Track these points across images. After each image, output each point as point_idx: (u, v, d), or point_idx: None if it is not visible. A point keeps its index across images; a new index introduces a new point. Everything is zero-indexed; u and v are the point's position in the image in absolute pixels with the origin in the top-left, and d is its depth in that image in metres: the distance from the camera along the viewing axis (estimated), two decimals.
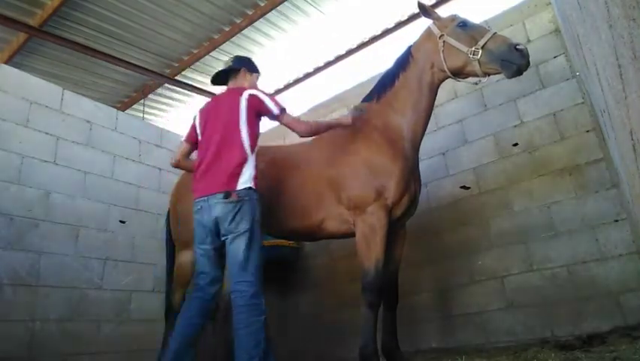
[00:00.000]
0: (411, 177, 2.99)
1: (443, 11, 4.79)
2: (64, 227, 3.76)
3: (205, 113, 2.82)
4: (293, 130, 2.79)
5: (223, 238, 2.49)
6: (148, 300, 4.20)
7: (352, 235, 3.00)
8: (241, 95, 2.69)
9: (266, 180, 3.19)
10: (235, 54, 6.19)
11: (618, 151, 2.04)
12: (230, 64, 2.95)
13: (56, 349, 3.45)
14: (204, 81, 6.77)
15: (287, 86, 7.02)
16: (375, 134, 3.03)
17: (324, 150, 3.18)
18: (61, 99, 4.07)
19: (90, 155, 4.14)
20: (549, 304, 3.40)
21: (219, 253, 2.55)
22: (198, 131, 2.81)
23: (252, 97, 2.69)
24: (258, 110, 2.70)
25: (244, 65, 2.95)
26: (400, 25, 5.74)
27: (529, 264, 3.56)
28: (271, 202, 3.15)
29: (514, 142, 3.85)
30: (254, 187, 2.54)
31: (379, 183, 2.87)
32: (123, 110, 6.25)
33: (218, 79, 2.99)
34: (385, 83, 3.18)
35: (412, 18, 5.60)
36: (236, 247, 2.40)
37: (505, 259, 3.68)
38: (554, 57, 3.78)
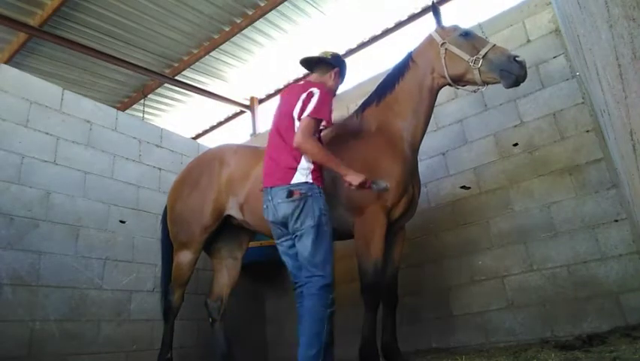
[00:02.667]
0: (410, 179, 3.00)
1: (443, 11, 4.79)
2: (64, 227, 3.76)
3: (280, 98, 2.82)
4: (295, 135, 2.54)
5: (292, 239, 2.50)
6: (148, 300, 4.19)
7: (351, 235, 3.00)
8: (307, 88, 2.62)
9: None
10: (235, 54, 6.25)
11: (618, 151, 2.04)
12: (329, 57, 2.83)
13: (56, 349, 3.44)
14: (204, 81, 6.78)
15: (287, 86, 7.02)
16: (375, 136, 3.05)
17: None
18: (61, 99, 4.07)
19: (90, 155, 4.14)
20: (549, 304, 3.41)
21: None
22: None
23: (309, 94, 2.58)
24: (303, 107, 2.57)
25: (340, 66, 2.87)
26: (399, 25, 5.75)
27: (529, 264, 3.56)
28: None
29: (514, 142, 3.85)
30: (311, 181, 2.48)
31: None
32: (123, 110, 6.25)
33: (308, 62, 2.89)
34: (386, 87, 3.19)
35: (412, 18, 5.61)
36: (303, 244, 2.41)
37: (505, 259, 3.69)
38: (554, 57, 3.78)
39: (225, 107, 7.44)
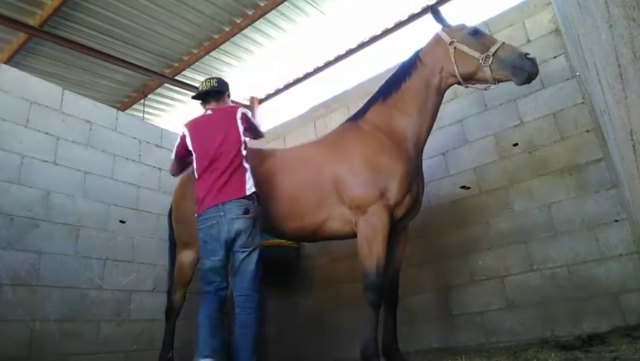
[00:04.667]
0: (413, 178, 3.00)
1: (443, 11, 4.79)
2: (64, 227, 3.76)
3: (198, 128, 3.05)
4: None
5: (240, 251, 2.73)
6: (148, 300, 4.19)
7: (355, 235, 3.00)
8: (235, 111, 3.03)
9: (269, 182, 3.21)
10: (235, 54, 6.25)
11: (618, 151, 2.04)
12: (216, 85, 3.22)
13: (56, 349, 3.44)
14: None
15: (287, 86, 7.03)
16: (380, 135, 3.05)
17: (328, 151, 3.19)
18: (61, 99, 4.07)
19: (90, 155, 4.14)
20: (549, 304, 3.41)
21: (227, 262, 2.79)
22: (191, 146, 3.00)
23: (244, 114, 3.04)
24: (247, 126, 3.03)
25: (227, 90, 3.31)
26: (399, 25, 5.75)
27: (529, 264, 3.56)
28: (274, 203, 3.17)
29: (514, 142, 3.85)
30: (257, 193, 2.83)
31: (382, 183, 2.87)
32: (123, 110, 6.25)
33: (199, 95, 3.23)
34: (392, 85, 3.19)
35: (412, 18, 5.61)
36: (251, 260, 2.73)
37: (505, 259, 3.68)
38: (554, 57, 3.78)
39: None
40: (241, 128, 2.95)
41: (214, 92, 3.20)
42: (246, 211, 2.70)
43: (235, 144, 2.88)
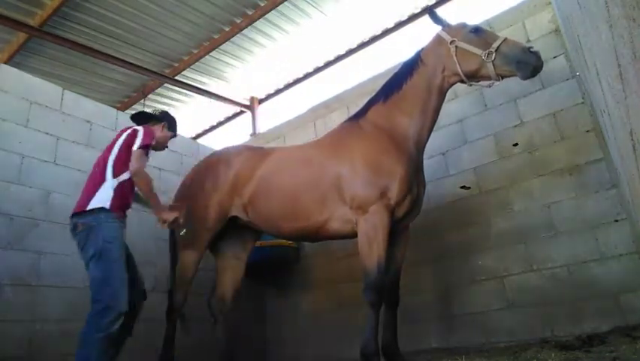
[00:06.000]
0: (414, 178, 3.00)
1: (443, 11, 4.80)
2: (64, 227, 3.72)
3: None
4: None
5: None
6: (148, 300, 4.18)
7: (355, 235, 3.00)
8: (127, 129, 2.92)
9: (268, 181, 3.20)
10: (235, 54, 6.26)
11: (618, 151, 2.04)
12: (157, 114, 3.23)
13: (56, 349, 3.44)
14: (204, 81, 6.78)
15: (287, 86, 7.03)
16: (381, 135, 3.04)
17: (329, 150, 3.19)
18: (61, 99, 4.07)
19: (90, 155, 4.12)
20: (549, 304, 3.41)
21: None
22: None
23: (133, 131, 2.89)
24: (130, 141, 2.84)
25: (167, 121, 3.24)
26: (399, 25, 5.75)
27: (529, 264, 3.56)
28: (274, 203, 3.16)
29: (514, 142, 3.85)
30: (107, 208, 2.65)
31: (383, 183, 2.87)
32: (123, 110, 6.25)
33: (138, 118, 3.24)
34: (392, 85, 3.19)
35: (412, 18, 5.61)
36: (90, 271, 2.62)
37: (505, 259, 3.69)
38: (554, 57, 3.78)
39: (225, 107, 7.44)
40: (117, 148, 2.83)
41: (150, 118, 3.19)
42: (75, 227, 2.66)
43: (104, 159, 2.82)
